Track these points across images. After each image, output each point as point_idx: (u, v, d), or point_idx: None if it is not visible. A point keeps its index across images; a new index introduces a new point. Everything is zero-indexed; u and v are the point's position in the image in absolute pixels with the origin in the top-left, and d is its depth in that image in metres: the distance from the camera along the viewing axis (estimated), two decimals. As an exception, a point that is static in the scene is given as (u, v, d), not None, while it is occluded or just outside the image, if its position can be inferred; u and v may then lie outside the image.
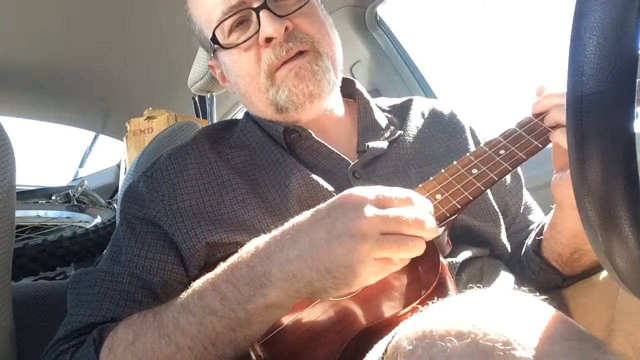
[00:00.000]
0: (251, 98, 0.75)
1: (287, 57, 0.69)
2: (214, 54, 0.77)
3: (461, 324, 0.34)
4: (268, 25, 0.67)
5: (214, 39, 0.72)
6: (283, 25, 0.68)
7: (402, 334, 0.38)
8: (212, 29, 0.71)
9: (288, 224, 0.52)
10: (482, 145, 0.63)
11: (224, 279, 0.52)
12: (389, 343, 0.40)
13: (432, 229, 0.49)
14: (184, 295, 0.55)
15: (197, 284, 0.55)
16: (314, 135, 0.73)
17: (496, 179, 0.59)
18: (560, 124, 0.60)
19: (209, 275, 0.55)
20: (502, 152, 0.61)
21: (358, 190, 0.49)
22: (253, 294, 0.50)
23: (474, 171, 0.60)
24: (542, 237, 0.71)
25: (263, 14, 0.68)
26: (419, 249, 0.48)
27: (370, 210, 0.47)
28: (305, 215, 0.51)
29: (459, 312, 0.36)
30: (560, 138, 0.59)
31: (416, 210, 0.49)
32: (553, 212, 0.68)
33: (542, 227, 0.73)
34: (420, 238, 0.48)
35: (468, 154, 0.63)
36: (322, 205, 0.51)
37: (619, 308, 0.61)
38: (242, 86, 0.74)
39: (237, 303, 0.50)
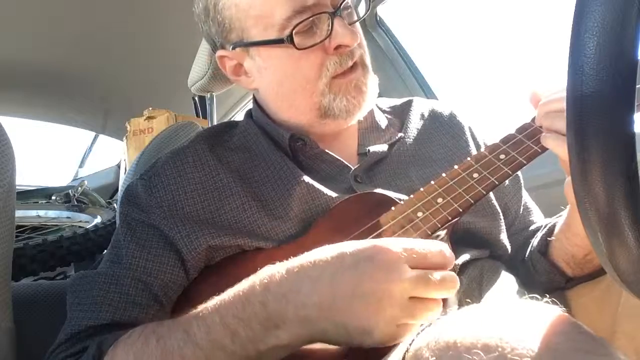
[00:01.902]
0: (293, 100, 0.72)
1: (349, 66, 0.69)
2: (241, 47, 0.72)
3: (487, 337, 0.33)
4: (345, 34, 0.66)
5: (290, 38, 0.66)
6: (357, 35, 0.68)
7: (422, 343, 0.37)
8: (269, 24, 0.67)
9: (308, 258, 0.49)
10: (482, 149, 0.64)
11: (234, 314, 0.49)
12: (407, 352, 0.39)
13: (455, 288, 0.47)
14: (188, 321, 0.52)
15: (202, 311, 0.52)
16: (319, 145, 0.73)
17: (497, 183, 0.60)
18: (551, 130, 0.59)
19: (216, 304, 0.51)
20: (502, 156, 0.62)
21: (392, 245, 0.47)
22: (266, 334, 0.48)
23: (475, 175, 0.61)
24: (552, 238, 0.71)
25: (338, 20, 0.67)
26: (437, 312, 0.46)
27: (403, 274, 0.44)
28: (329, 254, 0.48)
29: (483, 323, 0.35)
30: (549, 141, 0.59)
31: (444, 271, 0.47)
32: (567, 214, 0.67)
33: (552, 228, 0.73)
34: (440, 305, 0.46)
35: (469, 158, 0.63)
36: (349, 249, 0.47)
37: (622, 310, 0.61)
38: (287, 87, 0.71)
39: (249, 341, 0.48)
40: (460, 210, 0.58)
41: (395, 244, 0.47)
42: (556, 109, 0.59)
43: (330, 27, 0.66)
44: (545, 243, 0.73)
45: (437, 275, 0.46)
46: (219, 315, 0.50)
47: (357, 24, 0.72)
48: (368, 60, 0.73)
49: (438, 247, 0.48)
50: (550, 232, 0.72)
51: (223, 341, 0.49)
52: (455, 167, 0.62)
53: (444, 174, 0.62)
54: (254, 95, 0.83)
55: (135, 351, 0.54)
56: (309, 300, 0.46)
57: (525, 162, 0.61)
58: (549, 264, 0.71)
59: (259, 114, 0.79)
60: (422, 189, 0.61)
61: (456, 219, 0.59)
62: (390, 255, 0.46)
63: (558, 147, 0.57)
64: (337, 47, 0.68)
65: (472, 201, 0.59)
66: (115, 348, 0.56)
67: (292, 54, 0.68)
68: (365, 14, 0.73)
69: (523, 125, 0.65)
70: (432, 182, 0.62)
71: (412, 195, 0.61)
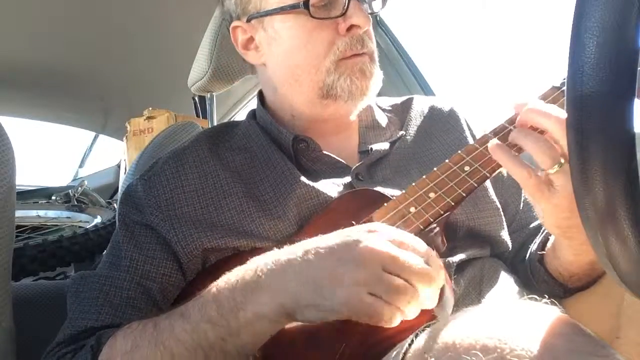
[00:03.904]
0: (299, 76, 0.72)
1: (358, 52, 0.70)
2: (256, 19, 0.73)
3: (486, 338, 0.33)
4: (359, 15, 0.68)
5: (306, 3, 0.68)
6: (369, 19, 0.69)
7: (421, 344, 0.37)
8: None
9: (309, 240, 0.52)
10: (473, 142, 0.64)
11: (223, 287, 0.52)
12: (406, 352, 0.39)
13: (431, 281, 0.46)
14: (186, 303, 0.55)
15: (203, 292, 0.55)
16: (321, 145, 0.73)
17: (488, 175, 0.60)
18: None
19: (217, 283, 0.54)
20: None
21: (376, 225, 0.49)
22: (244, 301, 0.50)
23: (466, 168, 0.61)
24: (543, 252, 0.71)
25: (354, 2, 0.68)
26: (412, 300, 0.45)
27: (381, 243, 0.46)
28: (329, 235, 0.51)
29: (482, 325, 0.36)
30: (525, 141, 0.56)
31: (427, 266, 0.47)
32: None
33: (548, 235, 0.73)
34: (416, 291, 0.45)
35: (459, 151, 0.63)
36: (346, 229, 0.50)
37: (627, 317, 0.61)
38: (295, 60, 0.71)
39: (230, 310, 0.50)
40: (453, 204, 0.59)
41: (385, 226, 0.49)
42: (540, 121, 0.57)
43: (345, 7, 0.68)
44: (539, 256, 0.73)
45: (420, 263, 0.46)
46: (214, 289, 0.53)
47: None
48: (377, 57, 0.74)
49: (425, 247, 0.49)
50: (543, 245, 0.72)
51: (210, 313, 0.51)
52: (447, 161, 0.62)
53: (435, 168, 0.62)
54: (258, 92, 0.84)
55: (134, 338, 0.55)
56: (289, 265, 0.49)
57: (516, 153, 0.60)
58: (547, 274, 0.71)
59: (262, 113, 0.80)
60: (413, 184, 0.61)
61: (448, 213, 0.59)
62: (376, 228, 0.48)
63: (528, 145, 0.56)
64: (349, 29, 0.69)
65: (464, 194, 0.59)
66: (114, 337, 0.57)
67: (304, 25, 0.69)
68: (382, 7, 0.75)
69: (513, 116, 0.64)
70: (424, 177, 0.62)
71: (404, 191, 0.62)
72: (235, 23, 0.76)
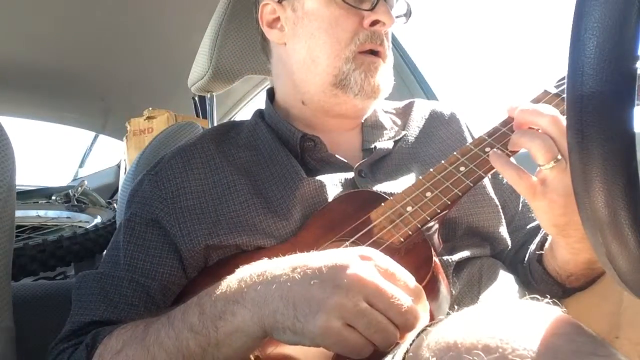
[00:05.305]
0: (317, 58, 0.74)
1: (376, 47, 0.73)
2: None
3: (488, 338, 0.33)
4: (385, 13, 0.72)
5: None
6: (393, 20, 0.73)
7: (422, 344, 0.37)
8: None
9: (297, 255, 0.50)
10: (467, 144, 0.65)
11: (209, 292, 0.51)
12: (407, 352, 0.39)
13: (414, 327, 0.45)
14: (172, 308, 0.54)
15: (191, 299, 0.54)
16: (328, 149, 0.74)
17: (484, 175, 0.61)
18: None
19: (206, 289, 0.53)
20: (487, 149, 0.63)
21: (371, 251, 0.47)
22: (224, 310, 0.49)
23: (462, 169, 0.62)
24: (541, 252, 0.71)
25: (383, 1, 0.72)
26: (390, 341, 0.44)
27: (371, 273, 0.44)
28: (321, 253, 0.49)
29: (484, 324, 0.35)
30: (522, 140, 0.56)
31: (414, 304, 0.45)
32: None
33: (545, 238, 0.73)
34: (397, 332, 0.44)
35: (455, 152, 0.64)
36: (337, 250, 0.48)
37: (626, 317, 0.61)
38: (317, 41, 0.73)
39: (211, 319, 0.49)
40: (449, 203, 0.60)
41: (377, 253, 0.47)
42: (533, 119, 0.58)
43: (375, 3, 0.72)
44: (538, 256, 0.73)
45: (408, 301, 0.44)
46: (198, 296, 0.52)
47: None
48: (390, 62, 0.77)
49: (418, 286, 0.47)
50: (542, 245, 0.72)
51: (192, 320, 0.50)
52: (442, 162, 0.64)
53: (431, 169, 0.63)
54: (267, 90, 0.85)
55: (125, 338, 0.56)
56: (274, 279, 0.47)
57: (510, 154, 0.61)
58: (546, 274, 0.71)
59: (271, 111, 0.81)
60: (410, 184, 0.63)
61: (445, 212, 0.60)
62: (367, 253, 0.47)
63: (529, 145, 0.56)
64: (373, 24, 0.72)
65: (460, 194, 0.60)
66: (109, 337, 0.58)
67: (334, 11, 0.72)
68: (405, 22, 0.79)
69: (507, 118, 0.65)
70: (420, 177, 0.63)
71: (401, 191, 0.63)
72: (266, 0, 0.79)
